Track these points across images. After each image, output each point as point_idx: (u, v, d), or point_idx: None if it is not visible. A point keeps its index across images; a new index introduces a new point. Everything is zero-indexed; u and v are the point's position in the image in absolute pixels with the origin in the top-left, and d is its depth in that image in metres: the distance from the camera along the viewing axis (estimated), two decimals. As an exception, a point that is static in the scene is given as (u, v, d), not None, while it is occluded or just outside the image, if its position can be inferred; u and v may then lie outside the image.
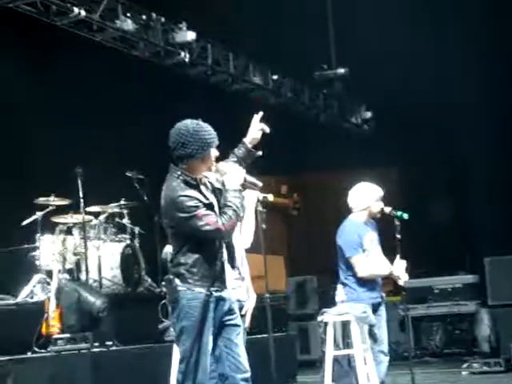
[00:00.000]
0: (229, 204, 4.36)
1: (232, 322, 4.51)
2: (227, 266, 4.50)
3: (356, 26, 10.71)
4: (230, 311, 4.50)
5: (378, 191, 6.54)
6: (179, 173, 4.39)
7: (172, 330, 5.83)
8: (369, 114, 12.05)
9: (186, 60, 8.72)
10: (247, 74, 9.91)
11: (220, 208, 4.41)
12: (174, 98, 10.37)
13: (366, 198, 6.49)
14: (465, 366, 9.35)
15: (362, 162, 11.56)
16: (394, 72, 11.34)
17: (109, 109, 10.03)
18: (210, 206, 4.38)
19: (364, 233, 6.44)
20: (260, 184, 4.60)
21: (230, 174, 4.47)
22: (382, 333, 6.35)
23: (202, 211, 4.30)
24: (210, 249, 4.39)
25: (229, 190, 4.42)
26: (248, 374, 4.53)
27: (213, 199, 4.45)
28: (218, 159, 4.54)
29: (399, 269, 6.41)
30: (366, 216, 6.50)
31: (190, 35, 8.84)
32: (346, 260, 6.37)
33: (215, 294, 4.36)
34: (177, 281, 4.36)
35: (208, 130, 4.42)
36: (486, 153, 11.95)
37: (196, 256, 4.35)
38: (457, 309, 11.38)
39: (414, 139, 12.43)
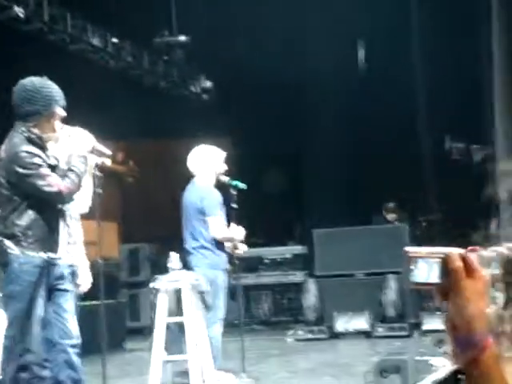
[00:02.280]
0: (72, 168, 4.27)
1: (62, 287, 4.43)
2: (63, 230, 4.39)
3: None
4: (61, 276, 4.41)
5: (221, 152, 6.53)
6: (24, 129, 4.25)
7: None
8: (208, 84, 12.06)
9: (21, 15, 8.35)
10: (85, 35, 9.64)
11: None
12: (7, 55, 9.92)
13: (210, 159, 6.43)
14: (290, 333, 9.65)
15: (199, 131, 11.58)
16: (238, 44, 11.43)
17: None
18: (52, 168, 4.26)
19: (220, 196, 6.44)
20: (109, 152, 4.52)
21: (77, 138, 4.36)
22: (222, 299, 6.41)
23: (45, 170, 4.18)
24: (47, 211, 4.27)
25: (73, 155, 4.31)
26: (77, 341, 4.46)
27: (54, 162, 4.32)
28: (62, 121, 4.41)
29: (239, 236, 6.48)
30: (214, 179, 6.44)
31: (25, -11, 8.46)
32: (204, 222, 6.30)
33: (49, 258, 4.24)
34: (8, 243, 4.20)
35: (55, 88, 4.32)
36: (323, 127, 12.32)
37: (32, 217, 4.22)
38: (285, 278, 11.71)
39: (251, 111, 12.60)
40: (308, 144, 12.75)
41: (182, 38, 10.79)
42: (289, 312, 11.65)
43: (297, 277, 11.56)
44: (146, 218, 13.96)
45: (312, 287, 9.82)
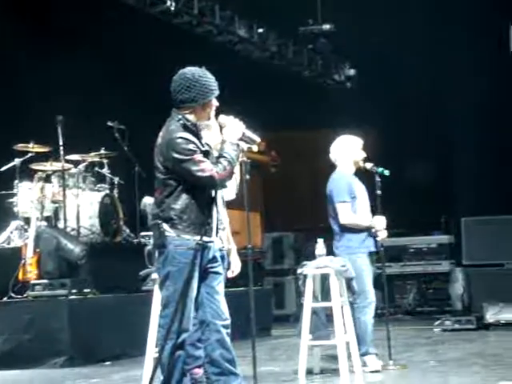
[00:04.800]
0: (225, 155, 4.37)
1: (214, 270, 4.54)
2: (215, 215, 4.50)
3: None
4: (214, 259, 4.52)
5: (358, 141, 6.60)
6: (180, 117, 4.40)
7: (153, 276, 5.87)
8: (352, 72, 12.01)
9: (172, 9, 8.62)
10: (232, 26, 9.84)
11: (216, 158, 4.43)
12: (158, 47, 10.26)
13: (347, 148, 6.55)
14: (437, 323, 9.50)
15: (343, 119, 11.55)
16: (381, 31, 11.29)
17: (92, 57, 9.92)
18: (205, 154, 4.39)
19: (353, 181, 6.52)
20: (258, 139, 4.60)
21: (229, 126, 4.48)
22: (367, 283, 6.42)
23: (199, 156, 4.31)
24: (201, 196, 4.38)
25: (226, 142, 4.43)
26: (228, 321, 4.57)
27: (207, 149, 4.46)
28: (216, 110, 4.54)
29: (379, 224, 6.47)
30: (352, 167, 6.55)
31: (176, -17, 8.73)
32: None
33: (202, 241, 4.36)
34: (165, 226, 4.35)
35: (211, 78, 4.46)
36: (469, 114, 12.01)
37: (187, 201, 4.35)
38: (431, 268, 11.55)
39: (396, 99, 12.44)
40: (455, 131, 12.45)
41: (327, 26, 10.82)
42: (434, 302, 11.50)
43: (443, 266, 11.38)
44: (288, 208, 14.07)
45: (459, 277, 9.63)
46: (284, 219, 13.73)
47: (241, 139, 4.51)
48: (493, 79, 12.00)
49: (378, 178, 6.55)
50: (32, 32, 9.57)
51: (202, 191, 4.39)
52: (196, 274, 4.39)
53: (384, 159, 7.22)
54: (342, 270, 6.10)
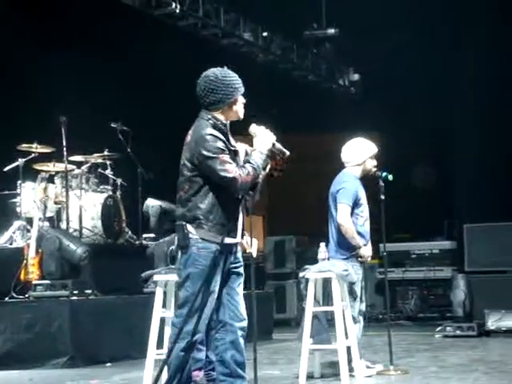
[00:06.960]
0: (251, 161, 4.40)
1: (236, 271, 4.55)
2: (241, 217, 4.51)
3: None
4: (237, 260, 4.54)
5: (373, 148, 6.52)
6: (209, 116, 4.42)
7: (154, 278, 5.86)
8: (356, 77, 12.00)
9: (177, 11, 8.65)
10: (237, 30, 9.85)
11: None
12: (162, 50, 10.27)
13: (361, 152, 6.46)
14: (438, 329, 9.49)
15: (346, 124, 11.55)
16: (385, 35, 11.29)
17: (96, 58, 9.93)
18: (234, 154, 4.41)
19: (359, 186, 6.45)
20: (288, 153, 4.62)
21: (260, 136, 4.50)
22: (363, 292, 6.42)
23: (225, 157, 4.32)
24: (227, 196, 4.38)
25: (256, 150, 4.46)
26: (245, 323, 4.57)
27: (237, 148, 4.48)
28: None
29: (366, 253, 6.34)
30: (360, 172, 6.48)
31: (181, -15, 8.74)
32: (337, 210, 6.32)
33: (227, 243, 4.36)
34: (189, 228, 4.35)
35: (234, 76, 4.47)
36: (470, 120, 12.00)
37: (214, 201, 4.36)
38: (433, 274, 11.54)
39: (399, 104, 12.44)
40: (458, 137, 12.45)
41: (331, 31, 10.84)
42: (436, 308, 11.48)
43: (445, 272, 11.37)
44: (291, 212, 14.04)
45: (461, 283, 9.61)
46: (287, 223, 13.70)
47: (270, 150, 4.54)
48: (496, 85, 12.00)
49: (381, 183, 6.52)
50: (37, 32, 9.59)
51: (227, 191, 4.39)
52: (218, 277, 4.39)
53: (387, 164, 7.21)
54: (343, 274, 6.07)
